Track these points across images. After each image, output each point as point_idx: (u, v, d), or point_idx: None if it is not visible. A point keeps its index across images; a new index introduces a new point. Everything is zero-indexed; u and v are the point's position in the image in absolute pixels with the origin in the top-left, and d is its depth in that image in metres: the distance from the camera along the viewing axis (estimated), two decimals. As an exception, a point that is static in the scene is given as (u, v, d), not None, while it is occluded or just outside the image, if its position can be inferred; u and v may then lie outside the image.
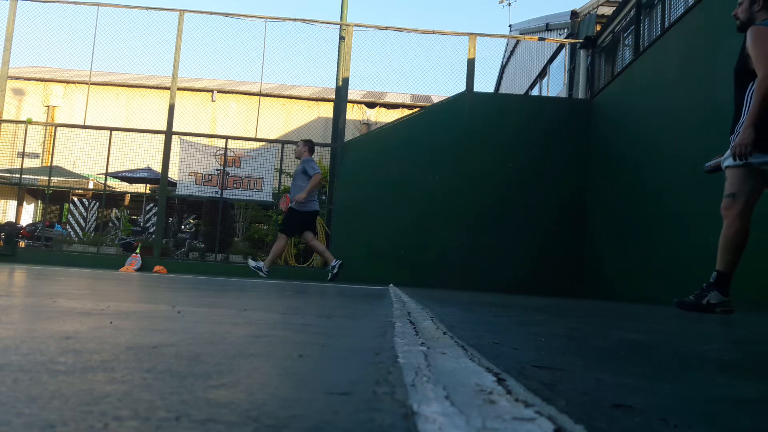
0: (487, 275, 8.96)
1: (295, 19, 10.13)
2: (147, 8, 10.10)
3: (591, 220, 8.92)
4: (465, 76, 9.64)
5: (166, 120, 10.08)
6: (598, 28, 10.00)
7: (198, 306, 2.39)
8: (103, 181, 11.23)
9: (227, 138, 10.33)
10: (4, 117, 10.64)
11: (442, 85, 22.08)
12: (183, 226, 13.42)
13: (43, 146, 14.55)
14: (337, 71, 10.15)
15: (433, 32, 10.02)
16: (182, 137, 10.25)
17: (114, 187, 14.40)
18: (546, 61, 12.94)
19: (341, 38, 10.10)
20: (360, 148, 9.71)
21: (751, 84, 3.69)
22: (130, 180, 13.94)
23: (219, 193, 10.14)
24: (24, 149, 10.39)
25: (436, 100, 12.60)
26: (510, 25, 17.16)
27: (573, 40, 10.39)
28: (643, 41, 8.01)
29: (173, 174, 10.25)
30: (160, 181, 10.32)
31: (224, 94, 19.34)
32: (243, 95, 19.09)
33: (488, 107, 9.68)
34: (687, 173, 5.80)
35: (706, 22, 5.88)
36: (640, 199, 7.11)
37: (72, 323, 1.44)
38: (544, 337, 1.80)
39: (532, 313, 3.32)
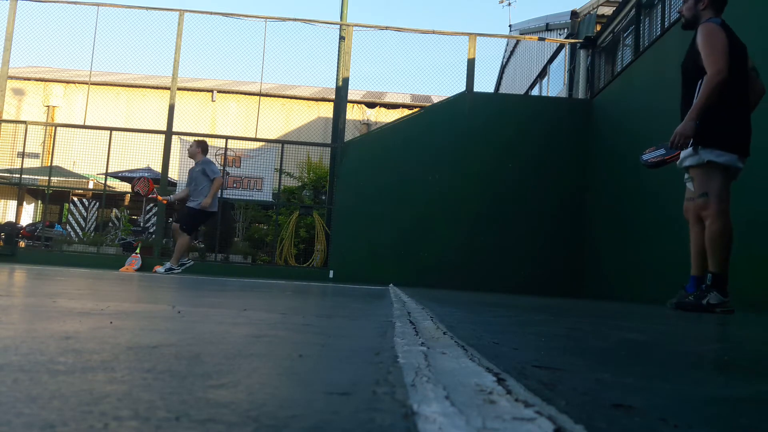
0: (487, 275, 8.97)
1: (295, 19, 10.13)
2: (147, 8, 10.11)
3: (591, 220, 8.92)
4: (465, 76, 9.64)
5: (166, 120, 10.08)
6: (598, 28, 10.00)
7: (198, 306, 2.39)
8: (103, 181, 11.23)
9: (227, 138, 10.33)
10: (4, 117, 10.64)
11: (442, 85, 22.10)
12: (183, 226, 13.39)
13: (43, 146, 14.55)
14: (337, 71, 10.15)
15: (433, 32, 10.02)
16: (182, 137, 10.25)
17: (114, 187, 14.40)
18: (546, 61, 12.94)
19: (341, 38, 10.10)
20: (360, 148, 9.71)
21: (700, 81, 3.74)
22: (131, 180, 13.93)
23: (219, 193, 10.14)
24: (24, 149, 10.39)
25: (436, 100, 12.60)
26: (510, 25, 17.17)
27: (573, 40, 10.39)
28: (643, 41, 8.01)
29: (173, 174, 10.25)
30: (160, 181, 10.32)
31: (224, 94, 19.33)
32: (243, 95, 19.09)
33: (488, 107, 9.68)
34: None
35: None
36: (640, 199, 7.11)
37: (72, 323, 1.44)
38: (544, 337, 1.80)
39: (532, 313, 3.32)
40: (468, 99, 9.57)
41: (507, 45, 16.55)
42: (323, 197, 11.49)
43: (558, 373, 1.04)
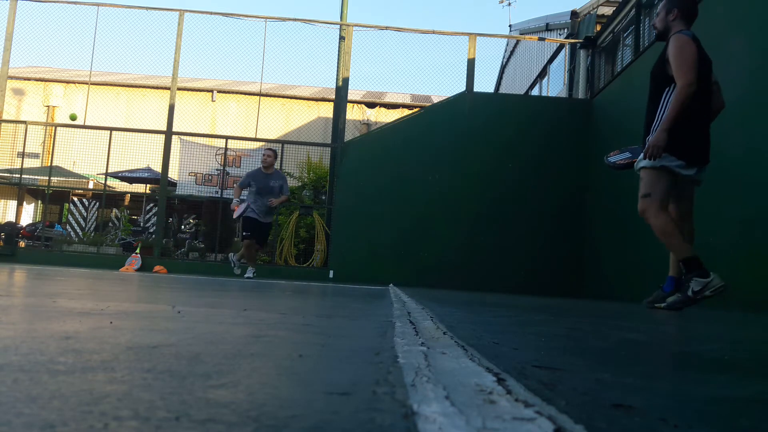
0: (487, 275, 8.96)
1: (295, 19, 10.13)
2: (147, 8, 10.11)
3: (591, 220, 8.92)
4: (465, 76, 9.64)
5: (166, 120, 10.08)
6: (598, 28, 10.00)
7: (198, 306, 2.39)
8: (103, 181, 11.23)
9: (227, 138, 10.33)
10: (4, 117, 10.64)
11: (442, 85, 22.10)
12: (183, 226, 13.41)
13: (43, 146, 14.55)
14: (337, 71, 10.15)
15: (433, 32, 10.02)
16: (182, 137, 10.25)
17: (114, 187, 14.40)
18: (546, 61, 12.94)
19: (341, 38, 10.10)
20: (360, 148, 9.70)
21: (667, 89, 3.87)
22: (130, 180, 13.95)
23: (219, 193, 10.15)
24: (24, 149, 10.39)
25: (436, 100, 12.60)
26: (510, 25, 17.17)
27: (573, 40, 10.39)
28: (643, 41, 8.01)
29: (173, 174, 10.26)
30: (160, 181, 10.32)
31: (224, 94, 19.33)
32: (243, 95, 19.09)
33: (488, 107, 9.68)
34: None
35: (706, 22, 5.87)
36: (640, 199, 7.10)
37: (72, 323, 1.44)
38: (544, 337, 1.80)
39: (532, 313, 3.32)
40: (468, 99, 9.57)
41: (507, 45, 16.55)
42: (323, 197, 11.49)
43: (558, 373, 1.04)
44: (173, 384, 0.76)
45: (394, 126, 9.96)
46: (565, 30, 11.66)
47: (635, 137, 7.42)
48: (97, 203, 13.15)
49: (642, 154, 3.99)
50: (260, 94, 12.28)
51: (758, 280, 4.57)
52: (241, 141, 10.53)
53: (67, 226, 13.76)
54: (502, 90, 17.42)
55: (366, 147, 9.75)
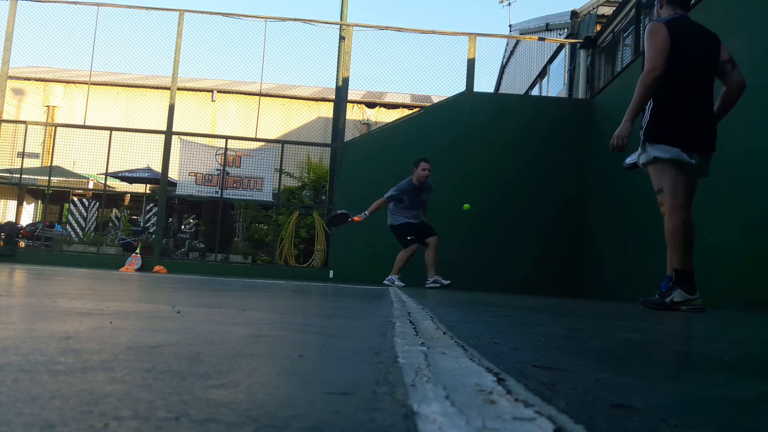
0: (487, 275, 8.96)
1: (295, 19, 10.13)
2: (147, 8, 10.11)
3: (591, 220, 8.92)
4: (465, 76, 9.64)
5: (166, 120, 10.08)
6: (598, 28, 10.00)
7: (198, 306, 2.39)
8: (103, 181, 11.23)
9: (227, 138, 10.33)
10: (4, 117, 10.64)
11: (442, 85, 22.07)
12: (183, 226, 13.42)
13: (43, 146, 14.55)
14: (337, 71, 10.15)
15: (433, 32, 10.02)
16: (182, 137, 10.25)
17: (114, 187, 14.40)
18: (546, 61, 12.94)
19: (341, 38, 10.10)
20: (360, 148, 9.70)
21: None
22: (130, 180, 13.94)
23: (219, 193, 10.15)
24: (24, 149, 10.39)
25: (436, 100, 12.60)
26: (510, 25, 17.17)
27: (573, 40, 10.39)
28: (643, 41, 8.00)
29: (173, 174, 10.25)
30: (160, 181, 10.32)
31: (224, 94, 19.33)
32: (243, 95, 19.09)
33: (488, 107, 9.68)
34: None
35: (706, 22, 5.87)
36: (640, 199, 7.10)
37: (72, 323, 1.44)
38: (544, 337, 1.80)
39: (532, 313, 3.32)
40: (468, 99, 9.56)
41: (507, 45, 16.55)
42: (323, 197, 11.49)
43: (558, 373, 1.04)
44: (173, 384, 0.76)
45: (394, 126, 9.96)
46: (565, 30, 11.67)
47: (635, 137, 7.43)
48: (97, 203, 13.15)
49: (640, 149, 3.89)
50: (260, 94, 12.28)
51: (758, 280, 4.58)
52: (241, 141, 10.53)
53: (67, 226, 13.77)
54: (502, 90, 17.42)
55: (366, 147, 9.75)
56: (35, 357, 0.91)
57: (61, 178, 12.64)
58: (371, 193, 9.44)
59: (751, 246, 4.71)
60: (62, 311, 1.76)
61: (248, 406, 0.66)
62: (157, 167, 10.69)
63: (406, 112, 18.01)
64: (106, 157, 10.08)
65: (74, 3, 10.18)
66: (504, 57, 17.13)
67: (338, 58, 10.13)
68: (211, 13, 10.21)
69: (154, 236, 10.62)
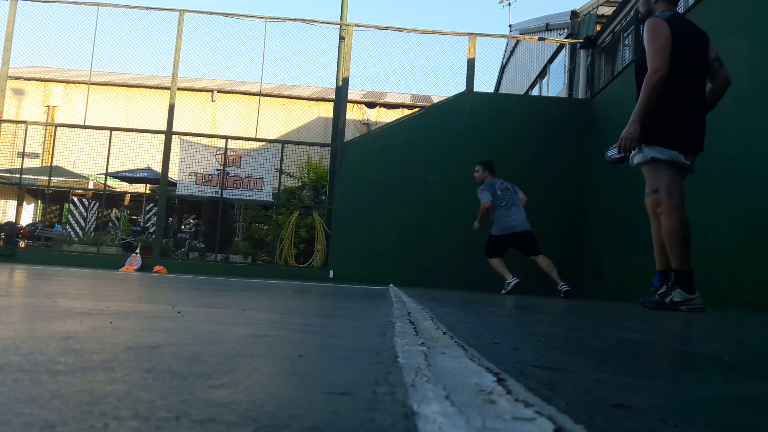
0: (487, 275, 8.95)
1: (295, 19, 10.13)
2: (147, 8, 10.11)
3: (591, 220, 8.92)
4: (465, 76, 9.64)
5: (166, 120, 10.08)
6: (598, 28, 10.00)
7: (198, 306, 2.39)
8: (103, 181, 11.23)
9: (227, 138, 10.33)
10: (4, 117, 10.64)
11: (442, 85, 22.07)
12: (183, 226, 13.41)
13: (43, 146, 14.55)
14: (337, 71, 10.15)
15: (433, 32, 10.02)
16: (182, 137, 10.25)
17: (114, 187, 14.40)
18: (546, 61, 12.94)
19: (341, 38, 10.10)
20: (360, 148, 9.70)
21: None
22: (130, 180, 13.95)
23: (219, 193, 10.15)
24: (24, 149, 10.39)
25: (436, 100, 12.59)
26: (510, 25, 17.17)
27: (573, 40, 10.39)
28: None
29: (173, 174, 10.25)
30: (160, 181, 10.32)
31: (224, 94, 19.34)
32: (243, 95, 19.10)
33: (488, 107, 9.68)
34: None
35: (706, 21, 5.87)
36: (640, 198, 7.10)
37: (72, 323, 1.44)
38: (544, 337, 1.80)
39: (532, 313, 3.32)
40: (468, 99, 9.56)
41: (507, 45, 16.56)
42: (323, 197, 11.49)
43: (558, 373, 1.04)
44: (173, 384, 0.76)
45: (394, 126, 9.96)
46: (565, 30, 11.67)
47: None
48: (97, 203, 13.15)
49: (634, 151, 3.87)
50: (260, 94, 12.28)
51: (758, 280, 4.57)
52: (241, 141, 10.53)
53: (67, 226, 13.77)
54: (502, 90, 17.42)
55: (366, 147, 9.75)
56: (35, 357, 0.91)
57: (61, 178, 12.64)
58: (371, 193, 9.45)
59: (751, 246, 4.71)
60: (62, 311, 1.76)
61: (248, 406, 0.66)
62: (157, 167, 10.69)
63: (406, 112, 18.02)
64: (106, 157, 10.07)
65: (74, 3, 10.17)
66: (504, 57, 17.13)
67: (338, 58, 10.13)
68: (211, 13, 10.21)
69: (154, 236, 10.62)
